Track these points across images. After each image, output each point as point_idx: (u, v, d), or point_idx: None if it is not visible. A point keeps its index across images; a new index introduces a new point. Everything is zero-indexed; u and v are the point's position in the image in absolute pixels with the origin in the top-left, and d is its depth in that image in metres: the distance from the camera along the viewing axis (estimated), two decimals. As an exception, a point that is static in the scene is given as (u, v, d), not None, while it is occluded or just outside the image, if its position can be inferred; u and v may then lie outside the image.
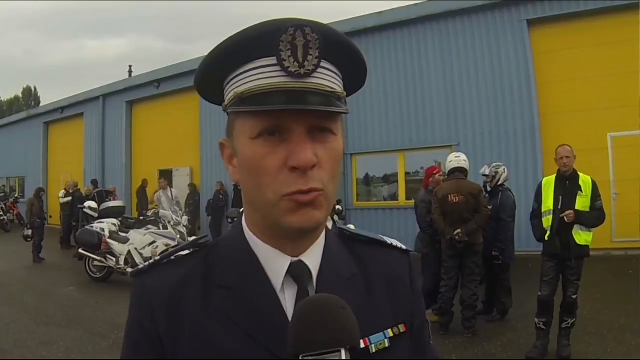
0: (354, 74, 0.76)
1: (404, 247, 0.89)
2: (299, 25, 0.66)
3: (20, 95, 53.93)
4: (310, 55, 0.66)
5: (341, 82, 0.73)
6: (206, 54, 0.72)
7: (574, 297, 4.36)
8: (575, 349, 4.47)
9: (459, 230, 5.14)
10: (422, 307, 0.88)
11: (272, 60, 0.66)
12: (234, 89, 0.70)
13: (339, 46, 0.70)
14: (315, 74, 0.67)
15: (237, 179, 0.75)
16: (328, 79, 0.69)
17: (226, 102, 0.73)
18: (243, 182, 0.73)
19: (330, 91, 0.68)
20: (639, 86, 8.71)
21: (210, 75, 0.73)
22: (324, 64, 0.68)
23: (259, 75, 0.67)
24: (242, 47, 0.68)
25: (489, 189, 5.94)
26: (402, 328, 0.79)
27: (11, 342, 5.35)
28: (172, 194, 11.42)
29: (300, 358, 0.58)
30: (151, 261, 0.79)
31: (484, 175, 6.07)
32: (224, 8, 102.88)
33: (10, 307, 6.87)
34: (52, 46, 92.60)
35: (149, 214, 9.62)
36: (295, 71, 0.66)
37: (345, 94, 0.73)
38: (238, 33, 0.69)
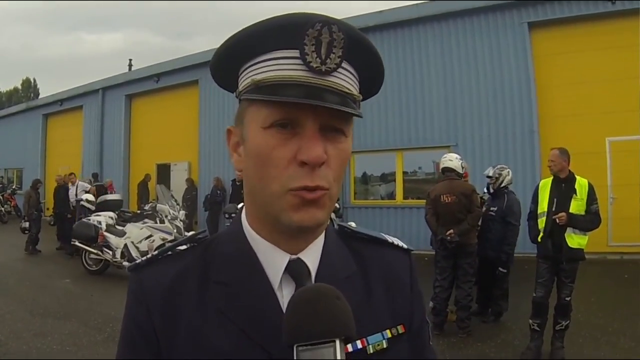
0: (371, 80, 0.75)
1: (405, 245, 0.88)
2: (327, 22, 0.65)
3: (20, 87, 53.69)
4: (334, 53, 0.66)
5: (358, 85, 0.72)
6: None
7: (568, 299, 4.38)
8: (569, 351, 4.49)
9: (450, 231, 5.15)
10: (422, 307, 0.86)
11: (294, 52, 0.66)
12: (251, 76, 0.69)
13: (362, 49, 0.70)
14: (335, 73, 0.67)
15: (241, 167, 0.74)
16: (346, 79, 0.69)
17: (240, 88, 0.72)
18: (248, 171, 0.72)
19: (347, 92, 0.68)
20: (639, 92, 8.73)
21: (228, 59, 0.72)
22: (344, 64, 0.68)
23: (278, 66, 0.67)
24: (265, 35, 0.67)
25: (491, 190, 5.93)
26: (400, 329, 0.78)
27: (6, 333, 5.35)
28: (77, 189, 11.66)
29: (295, 348, 0.58)
30: (148, 256, 0.79)
31: (488, 176, 6.04)
32: (220, 5, 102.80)
33: (6, 299, 6.86)
34: (49, 40, 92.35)
35: (147, 207, 9.62)
36: (317, 67, 0.65)
37: (360, 97, 0.72)
38: (262, 21, 0.68)
